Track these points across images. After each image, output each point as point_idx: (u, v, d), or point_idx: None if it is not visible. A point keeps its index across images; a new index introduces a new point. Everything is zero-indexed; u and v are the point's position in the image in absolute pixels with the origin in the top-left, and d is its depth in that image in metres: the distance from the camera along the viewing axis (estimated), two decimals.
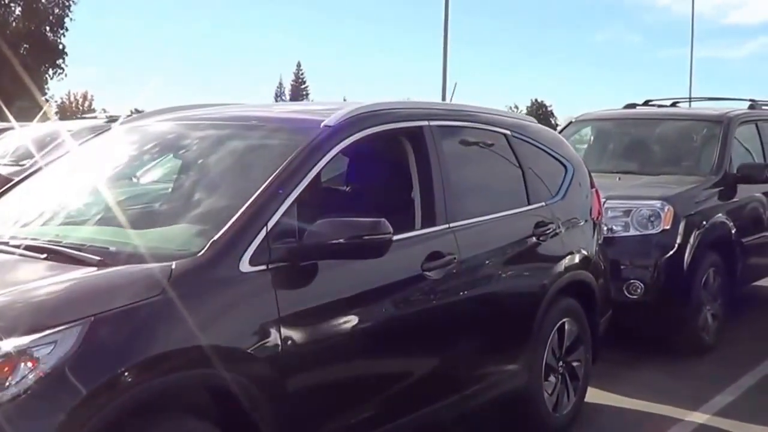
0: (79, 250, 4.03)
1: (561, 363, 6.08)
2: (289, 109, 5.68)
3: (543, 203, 6.07)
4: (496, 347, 5.51)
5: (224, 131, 5.11)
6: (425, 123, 5.28)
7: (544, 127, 6.81)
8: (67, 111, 65.30)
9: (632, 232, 8.01)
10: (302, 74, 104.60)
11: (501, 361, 5.56)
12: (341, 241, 4.10)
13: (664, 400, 6.81)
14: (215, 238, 3.95)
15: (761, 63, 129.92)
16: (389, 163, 5.30)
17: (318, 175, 4.60)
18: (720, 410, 6.64)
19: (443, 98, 32.43)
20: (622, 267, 7.82)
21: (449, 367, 5.10)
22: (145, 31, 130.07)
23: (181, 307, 3.67)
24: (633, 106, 11.23)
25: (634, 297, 7.80)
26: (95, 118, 16.13)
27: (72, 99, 72.93)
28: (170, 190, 4.98)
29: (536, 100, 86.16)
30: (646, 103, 11.36)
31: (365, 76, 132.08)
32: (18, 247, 4.16)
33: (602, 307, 6.56)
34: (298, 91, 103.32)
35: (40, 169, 5.38)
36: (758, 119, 10.11)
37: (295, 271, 4.13)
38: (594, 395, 6.67)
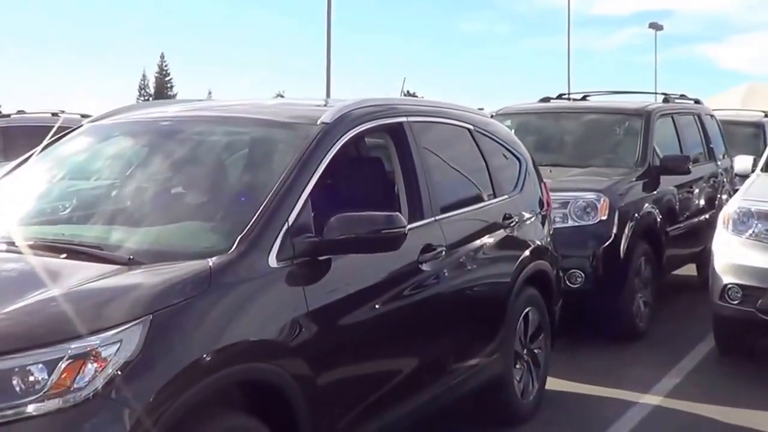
0: (100, 248, 4.00)
1: (525, 350, 6.24)
2: (269, 106, 5.68)
3: (506, 196, 6.23)
4: (480, 336, 5.67)
5: (216, 128, 5.10)
6: (404, 119, 5.38)
7: (497, 122, 6.99)
8: None
9: (570, 223, 8.26)
10: (166, 66, 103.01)
11: (484, 350, 5.69)
12: (361, 235, 4.18)
13: (614, 384, 7.08)
14: (242, 234, 3.97)
15: (629, 53, 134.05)
16: (376, 159, 5.39)
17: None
18: (670, 392, 6.93)
19: (328, 93, 32.55)
20: (562, 257, 8.02)
21: (444, 356, 5.25)
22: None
23: (227, 302, 3.71)
24: (547, 99, 11.51)
25: (576, 286, 8.03)
26: None
27: None
28: (163, 188, 4.88)
29: (408, 91, 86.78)
30: (559, 97, 11.67)
31: (232, 67, 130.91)
32: (31, 247, 4.06)
33: (557, 296, 6.76)
34: (163, 84, 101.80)
35: (14, 169, 5.21)
36: (673, 112, 10.50)
37: (315, 266, 4.20)
38: (548, 382, 6.84)
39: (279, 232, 4.06)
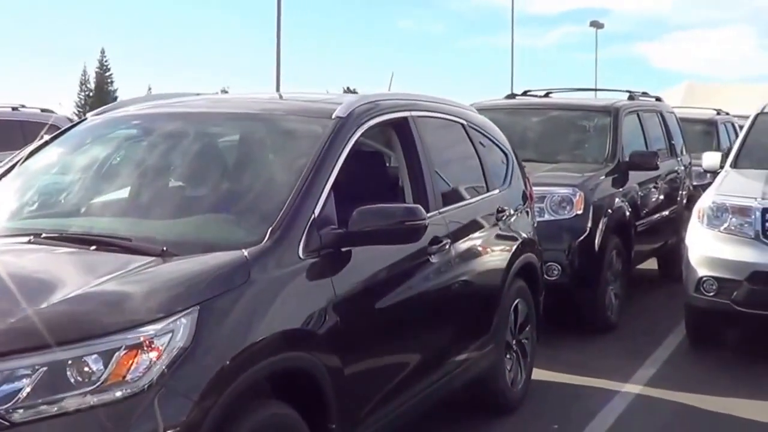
0: (129, 240, 4.03)
1: (514, 341, 6.41)
2: (280, 100, 5.78)
3: (498, 190, 6.39)
4: (479, 327, 5.82)
5: (233, 122, 5.19)
6: (409, 114, 5.50)
7: (484, 117, 7.13)
8: None
9: (546, 217, 8.42)
10: (107, 61, 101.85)
11: (482, 340, 5.84)
12: (385, 227, 4.29)
13: (593, 374, 7.27)
14: (273, 226, 4.05)
15: (566, 51, 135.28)
16: (383, 153, 5.51)
17: None
18: (648, 381, 7.15)
19: (278, 87, 32.46)
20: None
21: (448, 346, 5.40)
22: None
23: (266, 292, 3.80)
24: (513, 96, 11.71)
25: (552, 279, 8.21)
26: None
27: None
28: (186, 181, 4.92)
29: (348, 87, 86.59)
30: (525, 94, 11.86)
31: (171, 63, 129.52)
32: (57, 239, 4.09)
33: (541, 287, 6.94)
34: (103, 79, 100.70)
35: (17, 163, 5.20)
36: (639, 109, 10.74)
37: (339, 257, 4.29)
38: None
39: (306, 224, 4.15)
